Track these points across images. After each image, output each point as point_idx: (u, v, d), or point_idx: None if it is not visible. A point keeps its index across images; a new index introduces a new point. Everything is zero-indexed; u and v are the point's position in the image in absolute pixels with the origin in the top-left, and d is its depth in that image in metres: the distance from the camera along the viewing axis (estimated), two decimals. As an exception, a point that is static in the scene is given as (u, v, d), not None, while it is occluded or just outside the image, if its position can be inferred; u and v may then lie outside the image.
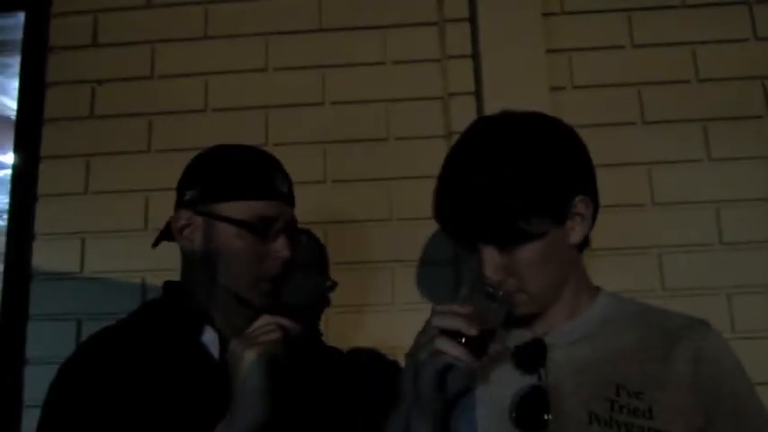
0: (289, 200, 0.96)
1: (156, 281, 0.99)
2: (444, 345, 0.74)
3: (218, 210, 0.90)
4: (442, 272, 1.46)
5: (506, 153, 0.81)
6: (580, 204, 0.83)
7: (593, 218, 0.86)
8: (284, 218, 0.93)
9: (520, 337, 0.87)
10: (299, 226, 1.01)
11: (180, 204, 0.95)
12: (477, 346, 0.74)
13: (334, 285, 1.39)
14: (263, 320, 0.84)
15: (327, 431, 0.95)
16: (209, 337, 0.91)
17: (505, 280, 0.81)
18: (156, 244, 0.98)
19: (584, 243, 0.89)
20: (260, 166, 0.94)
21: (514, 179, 0.78)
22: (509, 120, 0.86)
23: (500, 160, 0.80)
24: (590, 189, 0.85)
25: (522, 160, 0.80)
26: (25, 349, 1.48)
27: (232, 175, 0.92)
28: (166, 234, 0.97)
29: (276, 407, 0.80)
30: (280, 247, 0.91)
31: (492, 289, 0.78)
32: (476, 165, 0.82)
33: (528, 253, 0.80)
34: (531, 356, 0.84)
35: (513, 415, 0.80)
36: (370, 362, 1.40)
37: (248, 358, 0.79)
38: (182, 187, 0.96)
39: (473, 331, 0.73)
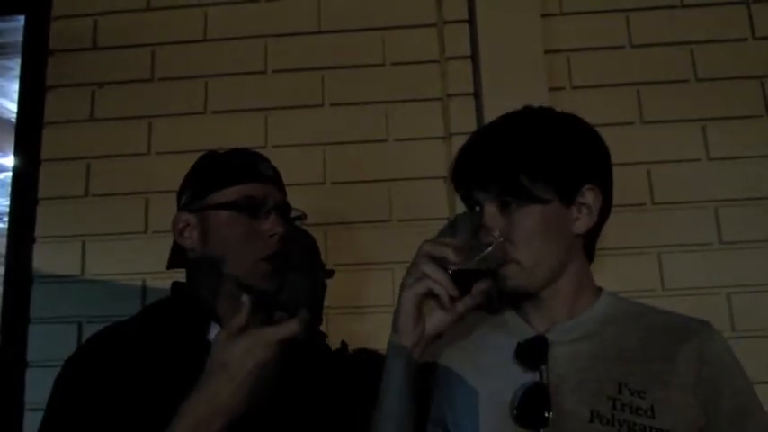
0: (276, 183, 1.00)
1: (157, 283, 1.00)
2: (428, 268, 0.77)
3: (208, 202, 0.95)
4: (441, 273, 1.46)
5: (525, 126, 0.86)
6: (588, 193, 0.84)
7: (601, 216, 0.86)
8: (273, 199, 0.97)
9: (522, 333, 0.87)
10: (298, 214, 1.03)
11: (178, 210, 0.99)
12: (461, 280, 0.76)
13: (331, 273, 1.37)
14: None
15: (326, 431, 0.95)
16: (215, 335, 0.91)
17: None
18: (169, 267, 1.01)
19: (591, 249, 0.90)
20: (241, 156, 1.01)
21: (526, 142, 0.83)
22: (537, 108, 0.90)
23: (517, 129, 0.85)
24: (601, 183, 0.86)
25: (538, 132, 0.84)
26: (26, 352, 1.48)
27: (217, 168, 0.98)
28: (175, 254, 1.00)
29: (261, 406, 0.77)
30: (272, 224, 0.94)
31: (491, 237, 0.80)
32: (493, 129, 0.88)
33: (527, 218, 0.81)
34: (533, 353, 0.84)
35: (515, 412, 0.80)
36: (370, 362, 1.39)
37: (266, 338, 0.75)
38: (179, 195, 1.01)
39: (458, 259, 0.76)
